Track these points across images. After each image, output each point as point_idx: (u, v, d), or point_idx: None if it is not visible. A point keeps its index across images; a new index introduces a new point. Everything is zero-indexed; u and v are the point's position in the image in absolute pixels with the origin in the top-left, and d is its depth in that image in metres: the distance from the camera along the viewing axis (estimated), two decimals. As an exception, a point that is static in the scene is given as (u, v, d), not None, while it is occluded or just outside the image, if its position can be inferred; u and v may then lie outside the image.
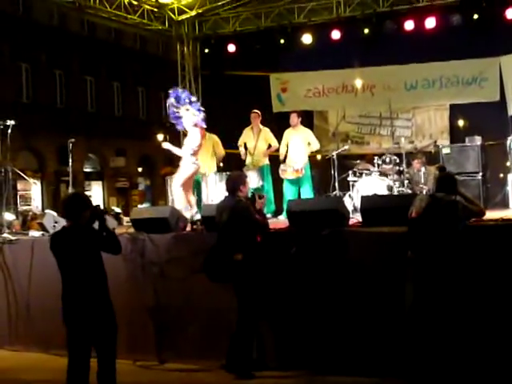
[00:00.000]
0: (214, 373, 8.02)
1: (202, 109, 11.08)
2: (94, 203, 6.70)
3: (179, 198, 10.80)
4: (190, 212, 10.49)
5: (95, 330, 6.39)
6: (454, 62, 17.76)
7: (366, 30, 16.10)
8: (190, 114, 10.89)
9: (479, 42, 15.90)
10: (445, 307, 6.83)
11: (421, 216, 7.01)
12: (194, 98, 11.26)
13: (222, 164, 12.74)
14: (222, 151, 13.01)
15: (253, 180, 11.39)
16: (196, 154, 10.89)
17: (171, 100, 11.04)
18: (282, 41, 17.00)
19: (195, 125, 10.90)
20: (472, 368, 7.05)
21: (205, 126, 11.19)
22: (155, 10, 17.11)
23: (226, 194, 8.22)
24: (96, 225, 6.50)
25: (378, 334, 7.66)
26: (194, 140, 10.84)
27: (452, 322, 6.88)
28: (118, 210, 16.36)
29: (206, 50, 18.18)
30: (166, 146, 11.11)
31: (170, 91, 11.21)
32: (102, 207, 6.89)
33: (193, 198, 10.92)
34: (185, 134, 11.74)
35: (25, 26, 27.92)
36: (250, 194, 8.26)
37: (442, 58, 17.80)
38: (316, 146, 12.87)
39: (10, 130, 11.04)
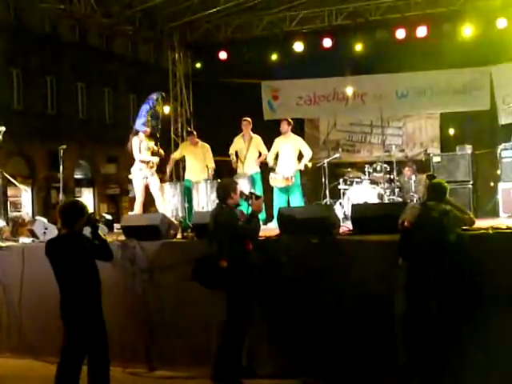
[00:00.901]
0: (204, 381, 7.99)
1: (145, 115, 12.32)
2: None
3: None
4: None
5: (88, 336, 6.44)
6: (445, 70, 17.85)
7: (358, 39, 16.17)
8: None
9: (470, 51, 15.96)
10: (437, 316, 6.85)
11: (412, 225, 7.02)
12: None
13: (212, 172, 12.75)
14: (212, 163, 13.00)
15: (244, 188, 11.37)
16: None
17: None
18: (274, 49, 17.03)
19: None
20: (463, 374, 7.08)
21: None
22: (146, 16, 17.10)
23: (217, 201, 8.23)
24: (88, 232, 6.58)
25: (368, 341, 7.66)
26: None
27: (444, 330, 6.90)
28: (109, 216, 16.21)
29: (198, 58, 18.22)
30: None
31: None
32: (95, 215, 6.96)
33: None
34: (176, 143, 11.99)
35: (16, 32, 27.86)
36: (243, 197, 8.13)
37: (434, 66, 17.88)
38: (308, 154, 12.78)
39: (1, 136, 11.03)
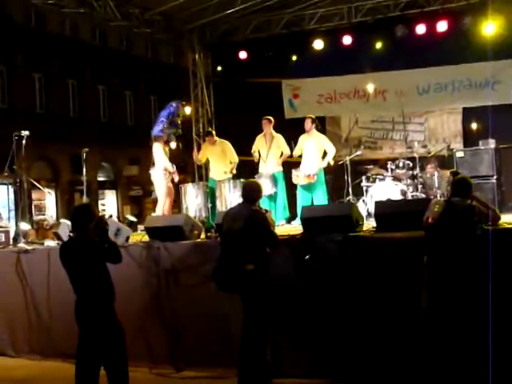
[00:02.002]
0: (230, 381, 8.00)
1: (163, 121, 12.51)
2: (107, 213, 6.84)
3: None
4: None
5: (100, 339, 6.52)
6: (466, 65, 17.74)
7: (377, 35, 16.12)
8: None
9: (492, 44, 15.84)
10: (461, 313, 6.80)
11: (437, 221, 6.97)
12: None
13: (235, 171, 12.75)
14: (234, 158, 13.00)
15: (266, 187, 11.35)
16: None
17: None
18: (294, 47, 17.02)
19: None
20: (486, 373, 7.02)
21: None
22: (165, 18, 17.15)
23: (240, 201, 8.13)
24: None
25: (394, 340, 7.63)
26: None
27: (468, 328, 6.85)
28: (132, 218, 16.33)
29: (217, 58, 18.25)
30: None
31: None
32: (114, 217, 7.04)
33: None
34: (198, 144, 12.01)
35: (38, 37, 28.08)
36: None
37: (454, 61, 17.78)
38: (332, 151, 12.68)
39: (24, 141, 11.11)
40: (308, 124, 12.78)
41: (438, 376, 6.88)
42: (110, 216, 9.84)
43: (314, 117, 13.05)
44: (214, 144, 13.32)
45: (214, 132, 13.77)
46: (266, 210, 7.89)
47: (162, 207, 12.25)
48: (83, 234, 6.57)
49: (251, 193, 7.79)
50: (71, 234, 6.81)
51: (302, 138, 12.89)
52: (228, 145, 13.17)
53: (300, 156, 12.90)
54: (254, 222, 7.53)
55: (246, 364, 7.58)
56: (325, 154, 12.76)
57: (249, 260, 7.39)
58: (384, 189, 12.28)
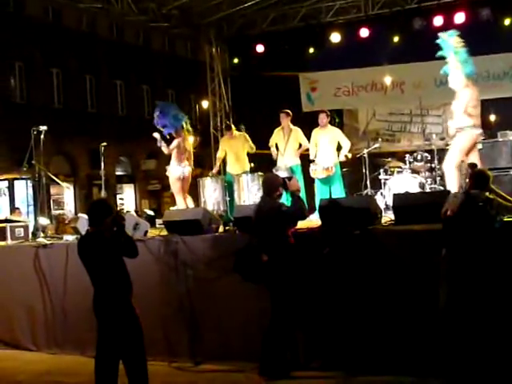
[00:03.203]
0: (250, 374, 8.02)
1: (183, 120, 12.41)
2: (125, 207, 6.90)
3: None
4: None
5: (117, 332, 6.56)
6: (485, 56, 17.62)
7: (394, 28, 16.07)
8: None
9: (510, 36, 15.74)
10: (480, 306, 6.78)
11: (455, 214, 6.95)
12: (180, 115, 12.53)
13: (253, 164, 12.76)
14: (252, 147, 13.05)
15: (284, 180, 11.38)
16: (180, 160, 12.27)
17: (157, 112, 12.59)
18: (311, 40, 16.99)
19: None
20: (508, 366, 6.99)
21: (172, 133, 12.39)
22: (182, 13, 17.17)
23: (262, 195, 8.27)
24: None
25: (413, 333, 7.61)
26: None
27: (487, 320, 6.82)
28: (151, 212, 16.37)
29: (235, 52, 18.25)
30: (156, 135, 12.31)
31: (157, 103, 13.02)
32: (133, 211, 7.09)
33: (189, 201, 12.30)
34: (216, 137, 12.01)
35: (55, 32, 28.21)
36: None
37: (472, 53, 17.65)
38: (347, 145, 12.62)
39: (42, 136, 11.16)
40: (324, 119, 12.72)
41: (457, 367, 6.87)
42: (128, 211, 9.93)
43: (328, 112, 13.01)
44: (233, 138, 13.33)
45: (233, 126, 13.76)
46: (290, 178, 8.07)
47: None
48: (100, 228, 6.61)
49: (267, 186, 8.06)
50: (88, 229, 6.85)
51: (315, 133, 12.82)
52: (246, 136, 13.22)
53: (307, 150, 12.87)
54: (266, 210, 7.79)
55: (268, 355, 7.67)
56: (339, 147, 12.71)
57: (266, 251, 7.55)
58: (402, 181, 12.24)
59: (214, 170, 13.75)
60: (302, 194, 12.70)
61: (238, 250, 7.96)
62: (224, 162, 13.89)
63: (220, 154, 13.80)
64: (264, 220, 7.79)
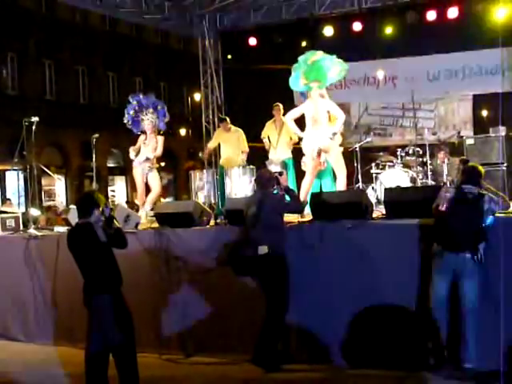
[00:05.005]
0: (241, 366, 8.05)
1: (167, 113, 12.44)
2: (117, 199, 6.93)
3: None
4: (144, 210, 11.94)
5: (107, 325, 6.57)
6: (477, 51, 17.62)
7: (388, 22, 16.05)
8: (150, 119, 12.49)
9: (503, 30, 15.73)
10: (473, 300, 6.82)
11: (447, 209, 6.98)
12: (159, 106, 12.59)
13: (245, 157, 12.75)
14: (246, 147, 13.03)
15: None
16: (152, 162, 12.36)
17: (133, 105, 12.82)
18: (303, 34, 16.96)
19: (155, 130, 12.31)
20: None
21: (162, 129, 12.41)
22: (175, 4, 17.10)
23: (257, 189, 8.30)
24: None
25: (404, 326, 7.65)
26: (157, 148, 12.29)
27: (478, 315, 6.87)
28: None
29: (227, 44, 18.21)
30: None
31: (131, 97, 13.12)
32: (124, 204, 7.10)
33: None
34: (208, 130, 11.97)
35: (48, 24, 28.12)
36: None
37: (465, 47, 17.68)
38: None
39: (34, 127, 11.13)
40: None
41: (445, 361, 6.93)
42: (118, 204, 9.96)
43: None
44: (228, 131, 13.31)
45: (228, 119, 13.72)
46: (280, 173, 8.13)
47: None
48: (88, 220, 6.62)
49: (263, 181, 8.11)
50: (78, 221, 6.87)
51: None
52: (242, 134, 13.18)
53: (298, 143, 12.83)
54: (270, 203, 7.83)
55: (261, 348, 7.70)
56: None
57: (262, 243, 7.57)
58: (393, 176, 12.24)
59: (206, 154, 13.77)
60: (295, 188, 12.74)
61: (232, 243, 7.99)
62: (216, 154, 13.88)
63: (211, 144, 13.80)
64: (266, 212, 7.79)
